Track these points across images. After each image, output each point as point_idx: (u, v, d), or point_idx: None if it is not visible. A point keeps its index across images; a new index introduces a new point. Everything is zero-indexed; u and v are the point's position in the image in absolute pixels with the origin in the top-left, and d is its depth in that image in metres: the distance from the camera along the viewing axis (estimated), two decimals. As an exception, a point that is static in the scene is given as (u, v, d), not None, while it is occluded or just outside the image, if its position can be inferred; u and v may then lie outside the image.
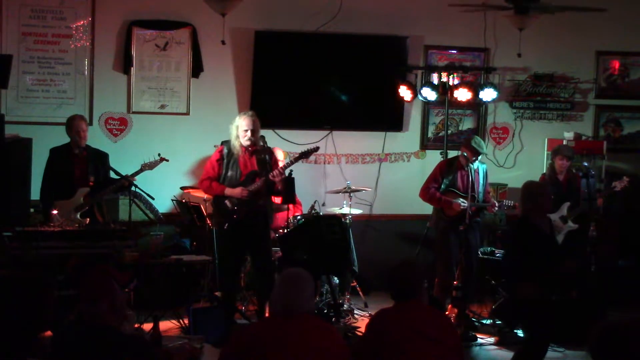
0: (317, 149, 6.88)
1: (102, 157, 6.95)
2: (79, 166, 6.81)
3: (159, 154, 6.85)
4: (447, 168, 7.10)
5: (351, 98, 8.25)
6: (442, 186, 7.04)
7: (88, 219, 6.50)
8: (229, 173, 6.59)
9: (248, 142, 6.52)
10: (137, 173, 6.73)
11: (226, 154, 6.61)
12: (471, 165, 6.90)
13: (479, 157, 6.96)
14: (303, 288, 3.66)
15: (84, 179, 6.76)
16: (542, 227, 5.62)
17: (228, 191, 6.54)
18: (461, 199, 6.95)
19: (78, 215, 6.55)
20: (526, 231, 5.55)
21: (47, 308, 3.23)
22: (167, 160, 6.94)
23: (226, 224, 6.56)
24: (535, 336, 5.49)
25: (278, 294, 3.67)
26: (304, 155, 6.74)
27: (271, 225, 6.85)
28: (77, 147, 6.82)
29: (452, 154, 7.62)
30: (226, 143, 6.65)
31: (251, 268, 7.00)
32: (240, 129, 6.51)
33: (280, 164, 6.80)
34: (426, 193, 7.09)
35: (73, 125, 6.82)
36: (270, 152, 6.79)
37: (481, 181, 7.06)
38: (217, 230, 6.88)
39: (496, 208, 7.17)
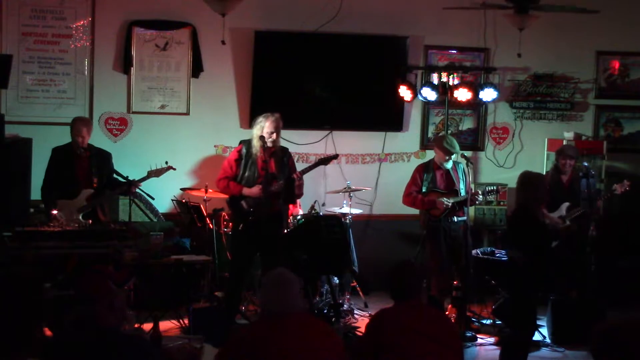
0: (336, 156, 6.95)
1: (105, 157, 6.94)
2: (82, 166, 6.80)
3: (166, 162, 6.84)
4: (424, 170, 7.19)
5: (351, 98, 8.24)
6: (423, 188, 7.10)
7: (90, 221, 6.49)
8: (247, 173, 6.55)
9: (271, 144, 6.50)
10: (143, 179, 6.71)
11: (244, 154, 6.58)
12: (444, 164, 7.07)
13: (453, 157, 7.08)
14: (290, 288, 3.70)
15: (87, 179, 6.75)
16: (539, 216, 5.68)
17: (246, 191, 6.51)
18: (444, 198, 7.00)
19: (80, 217, 6.54)
20: (525, 221, 5.57)
21: (39, 306, 3.23)
22: (174, 169, 6.93)
23: (241, 225, 6.53)
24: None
25: (268, 296, 3.71)
26: (323, 161, 6.76)
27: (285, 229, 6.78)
28: (78, 148, 6.81)
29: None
30: (245, 143, 6.62)
31: (261, 268, 6.97)
32: (265, 130, 6.46)
33: None
34: (408, 198, 7.18)
35: (74, 128, 6.80)
36: (289, 154, 6.75)
37: (461, 178, 7.13)
38: (232, 230, 6.83)
39: (480, 196, 7.24)
